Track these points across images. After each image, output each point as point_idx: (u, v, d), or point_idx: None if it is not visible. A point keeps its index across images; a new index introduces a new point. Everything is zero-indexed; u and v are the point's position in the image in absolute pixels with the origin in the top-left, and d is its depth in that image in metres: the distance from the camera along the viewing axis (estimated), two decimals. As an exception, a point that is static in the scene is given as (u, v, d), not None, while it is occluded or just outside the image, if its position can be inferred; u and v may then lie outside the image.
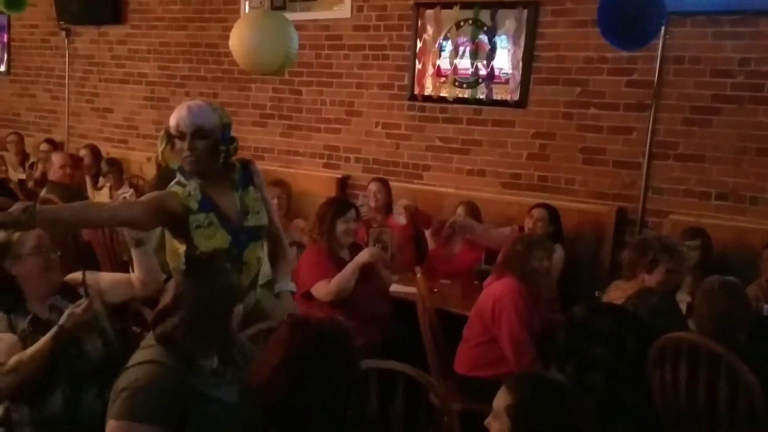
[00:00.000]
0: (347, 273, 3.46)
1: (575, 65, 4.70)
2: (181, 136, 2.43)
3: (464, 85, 5.10)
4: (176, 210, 2.43)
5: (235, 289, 2.07)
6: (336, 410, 1.65)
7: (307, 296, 3.49)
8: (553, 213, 4.32)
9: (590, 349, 2.30)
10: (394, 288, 3.91)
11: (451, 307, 3.80)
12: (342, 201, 3.95)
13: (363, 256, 3.51)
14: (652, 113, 4.44)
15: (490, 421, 1.73)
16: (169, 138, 2.47)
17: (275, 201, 4.40)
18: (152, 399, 1.84)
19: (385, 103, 5.48)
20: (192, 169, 2.47)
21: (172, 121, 2.45)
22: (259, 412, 1.63)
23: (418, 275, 3.65)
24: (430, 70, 5.23)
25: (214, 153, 2.47)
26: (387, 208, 4.85)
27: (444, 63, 5.17)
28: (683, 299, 3.49)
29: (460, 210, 4.58)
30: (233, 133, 2.60)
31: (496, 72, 4.96)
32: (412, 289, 3.76)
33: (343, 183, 5.63)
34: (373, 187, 4.92)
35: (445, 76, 5.18)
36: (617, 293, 3.29)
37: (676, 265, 3.24)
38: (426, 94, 5.27)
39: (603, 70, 4.61)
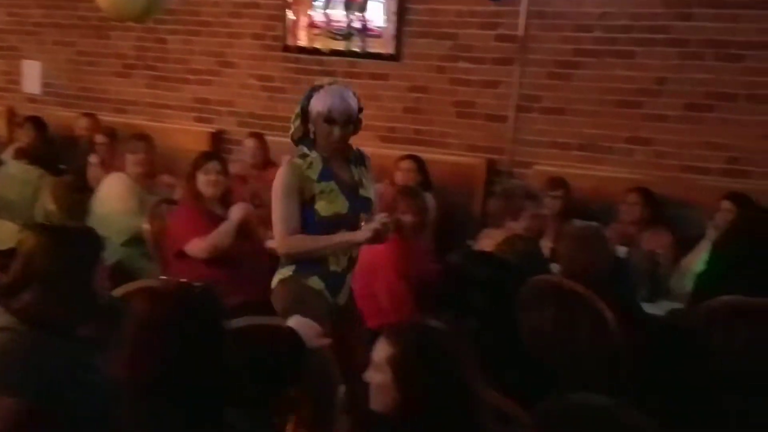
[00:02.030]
0: (223, 230, 3.42)
1: (446, 18, 4.77)
2: (332, 121, 2.64)
3: (339, 38, 5.06)
4: (300, 182, 2.63)
5: (98, 248, 1.99)
6: (217, 374, 1.63)
7: (181, 255, 3.42)
8: (420, 163, 4.44)
9: (468, 296, 2.41)
10: (274, 244, 3.89)
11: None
12: (204, 153, 3.90)
13: (237, 212, 3.48)
14: (518, 67, 4.61)
15: (372, 375, 1.74)
16: (303, 117, 2.67)
17: (135, 157, 4.24)
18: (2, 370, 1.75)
19: (259, 54, 5.35)
20: (334, 150, 2.69)
21: (321, 105, 2.63)
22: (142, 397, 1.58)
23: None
24: (304, 21, 5.15)
25: (349, 136, 2.73)
26: (264, 163, 4.78)
27: (317, 14, 5.09)
28: (547, 245, 3.70)
29: None
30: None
31: (370, 25, 4.95)
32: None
33: (217, 138, 5.48)
34: (249, 142, 4.83)
35: (320, 28, 5.11)
36: (487, 241, 3.44)
37: (539, 211, 3.44)
38: (300, 45, 5.19)
39: (472, 24, 4.72)
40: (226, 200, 3.61)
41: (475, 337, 2.22)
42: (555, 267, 3.22)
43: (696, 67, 4.20)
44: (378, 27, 4.94)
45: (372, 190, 2.84)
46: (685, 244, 3.82)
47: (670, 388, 2.71)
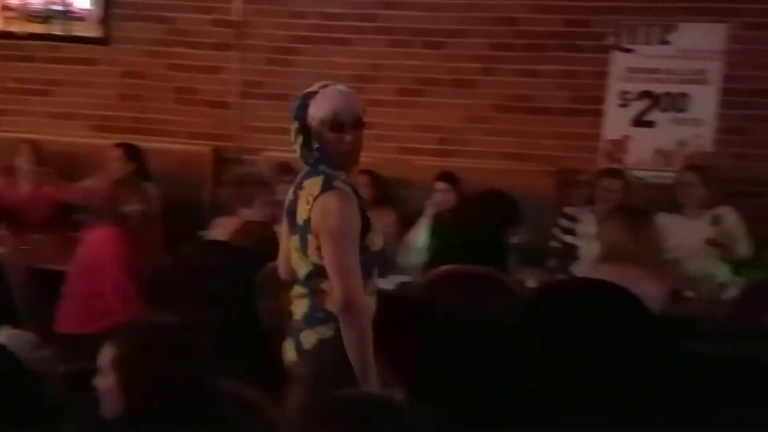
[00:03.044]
0: None
1: (158, 2, 4.59)
2: (340, 127, 2.10)
3: (37, 20, 4.64)
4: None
5: None
6: None
7: None
8: (132, 151, 4.24)
9: (204, 285, 2.34)
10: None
11: (46, 263, 3.53)
12: None
13: None
14: (238, 53, 4.56)
15: (99, 380, 1.61)
16: (304, 131, 2.14)
17: None
18: None
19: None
20: (349, 163, 2.17)
21: (323, 111, 2.11)
22: None
23: (2, 232, 3.32)
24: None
25: (362, 143, 2.19)
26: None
27: (10, -6, 4.60)
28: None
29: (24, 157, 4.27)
30: None
31: (72, 6, 4.61)
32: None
33: None
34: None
35: (15, 10, 4.65)
36: (221, 230, 3.41)
37: (271, 197, 3.48)
38: (-9, 28, 4.64)
39: (186, 7, 4.59)
40: None
41: (214, 327, 2.16)
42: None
43: (405, 54, 4.49)
44: (81, 9, 4.61)
45: None
46: (407, 221, 4.09)
47: (407, 356, 2.90)
